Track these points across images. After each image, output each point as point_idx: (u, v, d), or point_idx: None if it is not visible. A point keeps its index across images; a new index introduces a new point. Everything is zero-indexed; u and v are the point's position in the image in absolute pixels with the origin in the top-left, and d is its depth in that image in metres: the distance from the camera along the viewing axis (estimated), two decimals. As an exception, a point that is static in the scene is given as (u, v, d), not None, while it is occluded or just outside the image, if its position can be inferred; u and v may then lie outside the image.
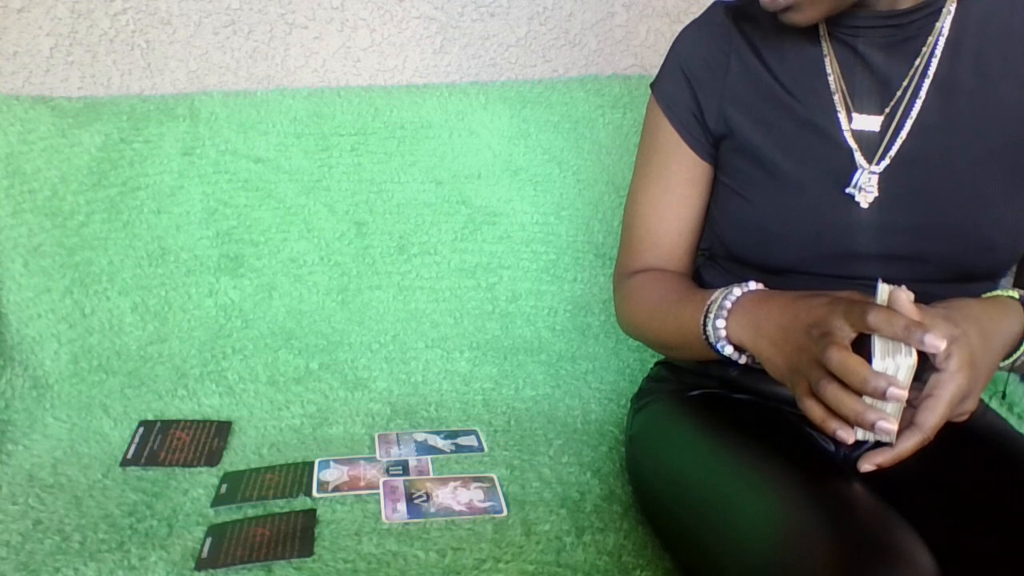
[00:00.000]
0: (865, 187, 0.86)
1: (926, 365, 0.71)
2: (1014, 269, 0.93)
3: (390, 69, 1.41)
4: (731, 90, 0.92)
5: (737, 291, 0.83)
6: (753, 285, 0.83)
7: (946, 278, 0.86)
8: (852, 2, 0.82)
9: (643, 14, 1.45)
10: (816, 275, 0.88)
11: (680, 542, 0.86)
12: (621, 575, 0.89)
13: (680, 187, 0.97)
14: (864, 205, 0.86)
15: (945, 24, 0.84)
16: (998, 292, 0.80)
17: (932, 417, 0.71)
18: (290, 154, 1.31)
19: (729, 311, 0.82)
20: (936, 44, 0.84)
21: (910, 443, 0.71)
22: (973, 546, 0.77)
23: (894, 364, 0.68)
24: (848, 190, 0.86)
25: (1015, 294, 0.79)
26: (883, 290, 0.71)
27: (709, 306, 0.83)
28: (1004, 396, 1.16)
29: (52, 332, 1.22)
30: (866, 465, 0.73)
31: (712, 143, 0.96)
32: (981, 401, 0.98)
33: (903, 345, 0.68)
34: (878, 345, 0.70)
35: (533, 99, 1.38)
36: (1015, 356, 0.79)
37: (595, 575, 0.89)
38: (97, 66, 1.32)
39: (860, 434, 0.71)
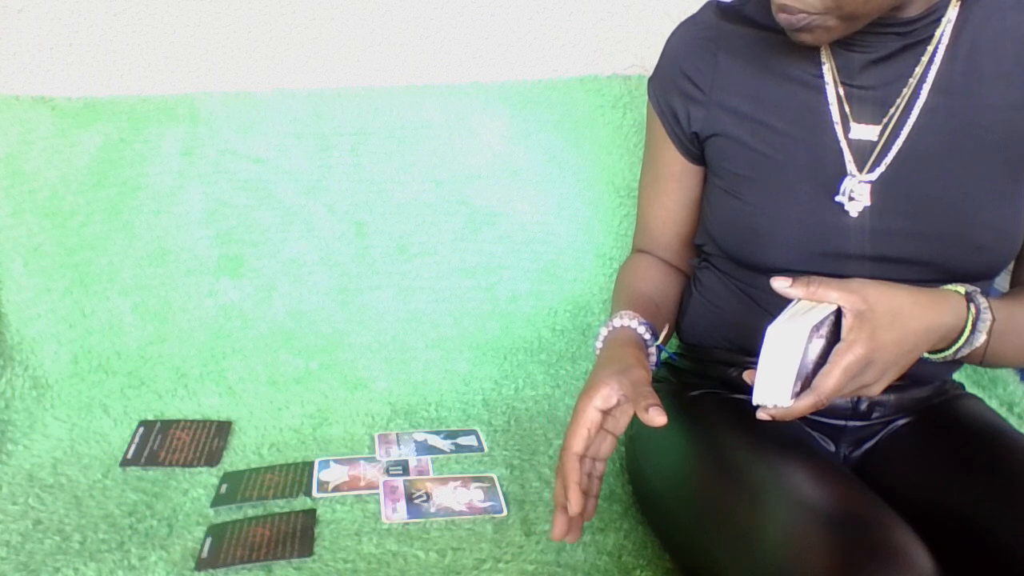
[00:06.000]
0: (855, 195, 0.86)
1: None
2: (1011, 267, 0.93)
3: (390, 69, 1.41)
4: (720, 89, 0.92)
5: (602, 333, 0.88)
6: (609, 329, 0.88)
7: (941, 279, 0.86)
8: (864, 24, 0.80)
9: (643, 14, 1.44)
10: (808, 275, 0.88)
11: (680, 542, 0.87)
12: (621, 575, 0.89)
13: (664, 181, 1.01)
14: (853, 214, 0.86)
15: (946, 31, 0.84)
16: (949, 286, 0.81)
17: (827, 381, 0.73)
18: (290, 154, 1.31)
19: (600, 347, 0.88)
20: (936, 52, 0.84)
21: (803, 403, 0.73)
22: (971, 546, 0.77)
23: (791, 325, 0.71)
24: (837, 198, 0.86)
25: (962, 289, 0.80)
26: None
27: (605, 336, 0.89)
28: None
29: (52, 332, 1.22)
30: (761, 414, 0.75)
31: (696, 145, 0.96)
32: (980, 400, 0.98)
33: (808, 313, 0.73)
34: (790, 308, 0.74)
35: (533, 99, 1.38)
36: (956, 346, 0.79)
37: (595, 575, 0.89)
38: (97, 66, 1.32)
39: (757, 399, 0.74)
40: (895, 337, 0.74)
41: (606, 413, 0.79)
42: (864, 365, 0.73)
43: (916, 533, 0.71)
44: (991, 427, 0.90)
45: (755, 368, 0.73)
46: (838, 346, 0.73)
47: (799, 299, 0.75)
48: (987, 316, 0.78)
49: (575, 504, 0.76)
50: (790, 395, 0.72)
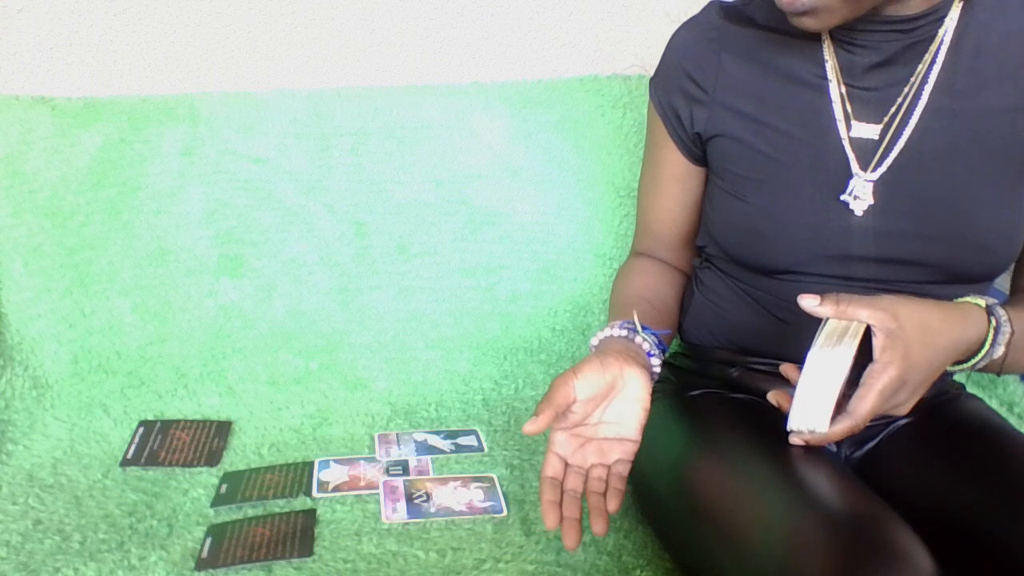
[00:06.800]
0: (859, 194, 0.86)
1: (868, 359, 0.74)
2: (1012, 268, 0.93)
3: (390, 69, 1.41)
4: (723, 90, 0.92)
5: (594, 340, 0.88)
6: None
7: (943, 280, 0.86)
8: (867, 10, 0.80)
9: (643, 14, 1.45)
10: (812, 276, 0.88)
11: (680, 542, 0.87)
12: (621, 575, 0.89)
13: (666, 182, 1.01)
14: (858, 213, 0.86)
15: (948, 30, 0.84)
16: (968, 298, 0.81)
17: (863, 405, 0.73)
18: (290, 154, 1.31)
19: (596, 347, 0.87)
20: (938, 51, 0.84)
21: (840, 427, 0.73)
22: (971, 546, 0.77)
23: (833, 352, 0.71)
24: (843, 197, 0.86)
25: (982, 302, 0.80)
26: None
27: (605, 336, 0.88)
28: None
29: (52, 332, 1.22)
30: (795, 439, 0.77)
31: (698, 146, 0.96)
32: (981, 400, 0.98)
33: (845, 336, 0.72)
34: (822, 334, 0.73)
35: (533, 99, 1.38)
36: (975, 360, 0.80)
37: (595, 575, 0.89)
38: (97, 66, 1.32)
39: (793, 425, 0.76)
40: (927, 355, 0.74)
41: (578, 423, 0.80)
42: (899, 386, 0.73)
43: (917, 533, 0.71)
44: (991, 427, 0.90)
45: (785, 391, 0.73)
46: (872, 368, 0.73)
47: (828, 317, 0.74)
48: (1006, 329, 0.78)
49: (548, 521, 0.76)
50: (829, 421, 0.71)
